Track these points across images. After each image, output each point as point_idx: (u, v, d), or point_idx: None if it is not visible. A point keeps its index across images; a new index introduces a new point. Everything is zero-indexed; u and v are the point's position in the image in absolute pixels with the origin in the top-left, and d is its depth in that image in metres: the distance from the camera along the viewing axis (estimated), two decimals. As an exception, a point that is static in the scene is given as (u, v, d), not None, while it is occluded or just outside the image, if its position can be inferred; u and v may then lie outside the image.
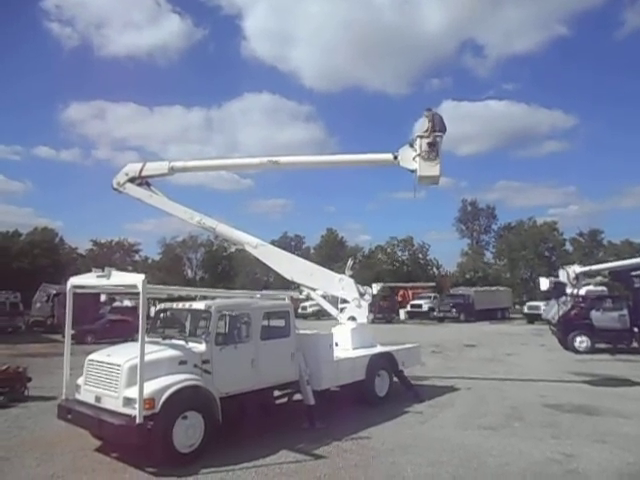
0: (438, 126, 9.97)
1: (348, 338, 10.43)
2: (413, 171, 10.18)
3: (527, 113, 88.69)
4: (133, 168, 11.19)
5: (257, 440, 7.43)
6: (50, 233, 57.11)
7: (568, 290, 19.84)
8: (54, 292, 29.06)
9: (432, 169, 9.89)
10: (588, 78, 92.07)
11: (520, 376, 13.16)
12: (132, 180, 11.12)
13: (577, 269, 19.58)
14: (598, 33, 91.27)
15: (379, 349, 10.54)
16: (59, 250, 56.27)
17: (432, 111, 10.19)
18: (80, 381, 7.26)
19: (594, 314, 18.17)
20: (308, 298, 14.15)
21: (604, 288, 24.82)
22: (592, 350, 17.64)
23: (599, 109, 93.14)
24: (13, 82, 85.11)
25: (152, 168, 11.25)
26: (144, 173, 11.10)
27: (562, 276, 19.85)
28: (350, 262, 12.32)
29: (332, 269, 12.28)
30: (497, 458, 6.77)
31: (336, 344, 9.74)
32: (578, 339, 17.98)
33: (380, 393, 9.96)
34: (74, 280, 7.96)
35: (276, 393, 8.64)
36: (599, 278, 25.19)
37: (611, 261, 25.82)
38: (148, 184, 11.28)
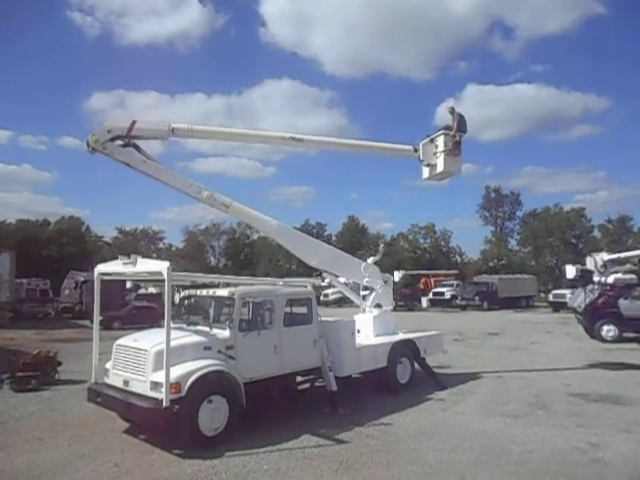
0: (463, 127, 10.74)
1: (370, 325, 10.48)
2: (429, 165, 10.89)
3: (557, 96, 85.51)
4: (118, 125, 8.64)
5: (280, 425, 7.55)
6: (77, 222, 58.48)
7: (595, 278, 19.43)
8: (82, 279, 29.86)
9: (455, 165, 10.80)
10: (623, 59, 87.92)
11: (545, 365, 12.99)
12: (113, 140, 8.66)
13: (605, 256, 19.16)
14: (635, 12, 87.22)
15: (401, 336, 10.54)
16: (86, 238, 57.62)
17: (457, 111, 10.87)
18: (109, 365, 7.45)
19: (622, 302, 17.78)
20: (330, 285, 14.12)
21: (633, 276, 24.13)
22: (619, 339, 17.31)
23: (634, 91, 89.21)
24: (36, 73, 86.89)
25: (145, 128, 8.92)
26: (134, 132, 8.72)
27: (589, 264, 19.45)
28: (382, 248, 12.32)
29: (354, 257, 12.25)
30: (520, 446, 6.73)
31: (358, 331, 9.80)
32: (605, 328, 17.66)
33: (402, 380, 9.99)
34: (101, 267, 8.13)
35: (299, 379, 8.72)
36: (628, 266, 24.60)
37: (641, 248, 25.16)
38: (137, 147, 8.88)
